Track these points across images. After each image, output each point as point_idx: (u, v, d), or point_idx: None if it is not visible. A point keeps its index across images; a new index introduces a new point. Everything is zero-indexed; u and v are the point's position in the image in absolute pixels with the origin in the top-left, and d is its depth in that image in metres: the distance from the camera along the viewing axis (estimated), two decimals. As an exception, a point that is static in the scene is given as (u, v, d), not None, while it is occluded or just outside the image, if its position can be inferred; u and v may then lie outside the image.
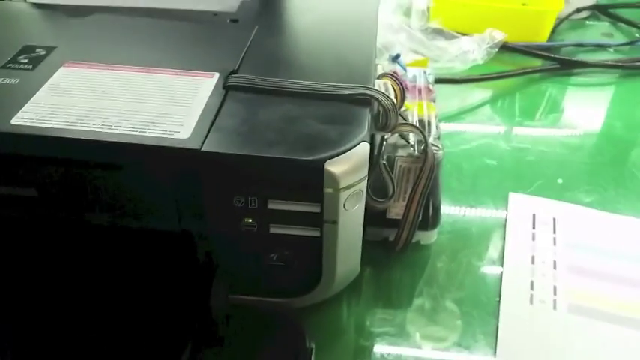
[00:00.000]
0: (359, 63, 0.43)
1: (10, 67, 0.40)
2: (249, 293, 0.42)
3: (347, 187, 0.36)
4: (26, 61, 0.41)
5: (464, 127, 0.68)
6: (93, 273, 0.41)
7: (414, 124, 0.46)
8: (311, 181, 0.35)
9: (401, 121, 0.43)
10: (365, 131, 0.37)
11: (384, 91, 0.40)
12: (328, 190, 0.36)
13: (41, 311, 0.40)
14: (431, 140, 0.46)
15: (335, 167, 0.35)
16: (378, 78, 0.46)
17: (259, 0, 0.52)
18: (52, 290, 0.41)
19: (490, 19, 0.79)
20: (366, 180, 0.37)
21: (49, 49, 0.42)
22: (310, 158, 0.34)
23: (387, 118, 0.40)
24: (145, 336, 0.39)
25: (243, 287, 0.42)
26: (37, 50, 0.42)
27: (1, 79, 0.39)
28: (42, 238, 0.42)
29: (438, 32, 0.79)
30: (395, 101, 0.41)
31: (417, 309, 0.47)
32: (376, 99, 0.39)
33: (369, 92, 0.39)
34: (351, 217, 0.38)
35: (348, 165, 0.35)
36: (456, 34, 0.78)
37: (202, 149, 0.34)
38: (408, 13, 0.82)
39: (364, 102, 0.39)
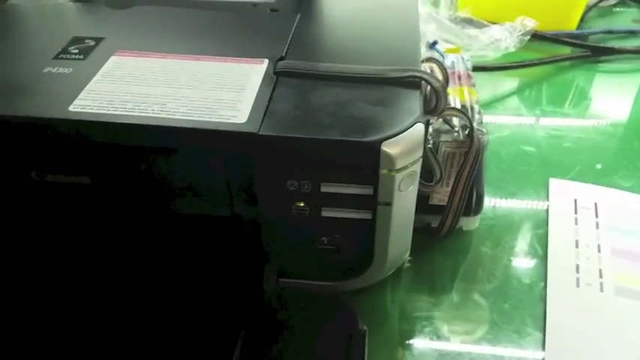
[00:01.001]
0: (405, 47, 0.43)
1: (61, 58, 0.40)
2: (299, 277, 0.43)
3: (402, 168, 0.36)
4: (77, 51, 0.41)
5: (498, 114, 0.68)
6: (145, 259, 0.42)
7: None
8: (366, 163, 0.35)
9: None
10: (418, 112, 0.37)
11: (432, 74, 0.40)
12: (384, 172, 0.36)
13: (93, 295, 0.41)
14: (475, 125, 0.46)
15: (391, 148, 0.35)
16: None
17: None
18: (105, 275, 0.41)
19: (518, 8, 0.78)
20: (421, 161, 0.37)
21: (98, 40, 0.43)
22: (367, 139, 0.35)
23: (437, 100, 0.40)
24: (200, 321, 0.39)
25: (293, 271, 0.42)
26: (87, 41, 0.42)
27: (55, 68, 0.39)
28: (93, 226, 0.42)
29: (467, 21, 0.79)
30: (444, 83, 0.41)
31: (462, 293, 0.47)
32: (427, 81, 0.39)
33: (418, 74, 0.39)
34: (405, 198, 0.38)
35: (404, 146, 0.35)
36: (484, 22, 0.78)
37: (260, 132, 0.35)
38: (435, 3, 0.82)
39: (414, 84, 0.39)
